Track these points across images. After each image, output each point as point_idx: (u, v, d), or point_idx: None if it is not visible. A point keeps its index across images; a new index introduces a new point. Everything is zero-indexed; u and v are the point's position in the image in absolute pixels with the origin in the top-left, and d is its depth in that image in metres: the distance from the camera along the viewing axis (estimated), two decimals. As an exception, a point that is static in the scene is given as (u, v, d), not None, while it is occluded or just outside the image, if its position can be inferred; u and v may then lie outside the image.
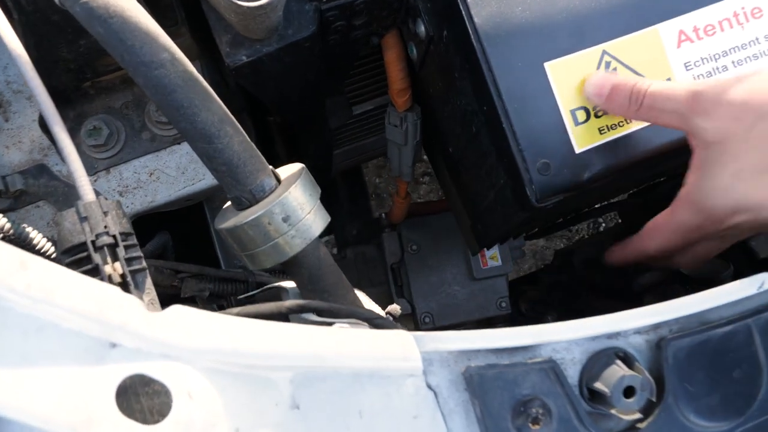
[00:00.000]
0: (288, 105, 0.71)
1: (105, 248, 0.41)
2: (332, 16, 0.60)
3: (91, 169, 0.63)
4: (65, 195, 0.63)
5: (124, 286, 0.41)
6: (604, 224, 1.94)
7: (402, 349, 0.36)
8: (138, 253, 0.43)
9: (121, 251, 0.41)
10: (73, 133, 0.63)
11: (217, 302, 0.62)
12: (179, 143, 0.65)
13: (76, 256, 0.41)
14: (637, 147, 0.50)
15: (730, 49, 0.51)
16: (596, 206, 1.04)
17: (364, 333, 0.38)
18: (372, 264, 1.12)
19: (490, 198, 0.62)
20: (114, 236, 0.41)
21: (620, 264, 0.63)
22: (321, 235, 0.49)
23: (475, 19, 0.49)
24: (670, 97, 0.47)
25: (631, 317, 0.41)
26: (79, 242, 0.40)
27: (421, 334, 0.37)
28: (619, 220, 1.47)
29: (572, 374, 0.39)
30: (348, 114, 0.91)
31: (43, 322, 0.30)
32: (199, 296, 0.60)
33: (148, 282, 0.43)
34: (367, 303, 0.56)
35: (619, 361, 0.40)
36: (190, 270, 0.61)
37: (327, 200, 1.52)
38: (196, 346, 0.32)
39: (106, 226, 0.41)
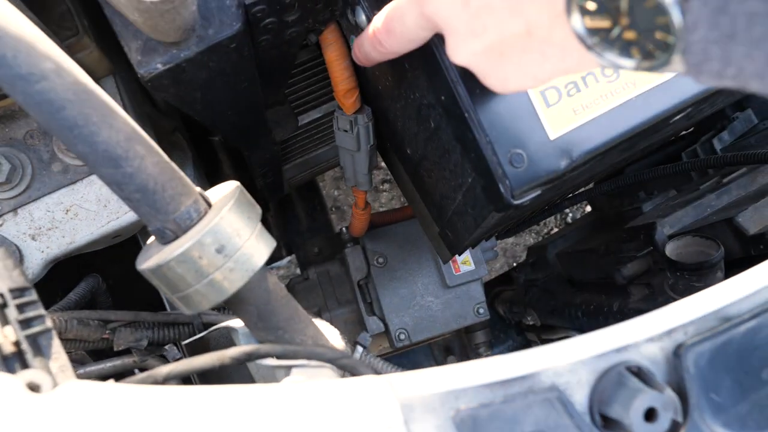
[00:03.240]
0: (222, 119, 0.64)
1: (-10, 311, 0.32)
2: (259, 12, 0.53)
3: (-5, 213, 0.54)
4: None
5: (20, 354, 0.33)
6: (570, 214, 1.91)
7: (375, 400, 0.29)
8: (39, 311, 0.34)
9: (12, 312, 0.33)
10: (-32, 172, 0.53)
11: (157, 351, 0.53)
12: (97, 172, 0.56)
13: (-46, 325, 0.32)
14: (616, 126, 0.45)
15: None
16: (567, 196, 0.99)
17: (326, 389, 0.30)
18: (337, 282, 1.05)
19: (458, 200, 0.55)
20: (1, 294, 0.33)
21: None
22: (276, 258, 0.41)
23: None
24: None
25: (640, 325, 0.35)
26: (-45, 307, 0.32)
27: (397, 376, 0.30)
28: (589, 209, 1.43)
29: (580, 400, 0.33)
30: (293, 125, 0.84)
31: None
32: (136, 347, 0.52)
33: (55, 345, 0.35)
34: (330, 334, 0.49)
35: (633, 378, 0.33)
36: (123, 318, 0.52)
37: (284, 218, 1.43)
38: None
39: (-12, 283, 0.33)
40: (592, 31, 0.32)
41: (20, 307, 0.34)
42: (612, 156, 0.51)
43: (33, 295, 0.35)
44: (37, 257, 0.55)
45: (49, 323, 0.35)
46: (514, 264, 1.93)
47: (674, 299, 0.69)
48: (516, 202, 0.43)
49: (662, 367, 0.35)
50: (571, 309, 0.94)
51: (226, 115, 0.63)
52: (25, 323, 0.33)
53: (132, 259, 0.91)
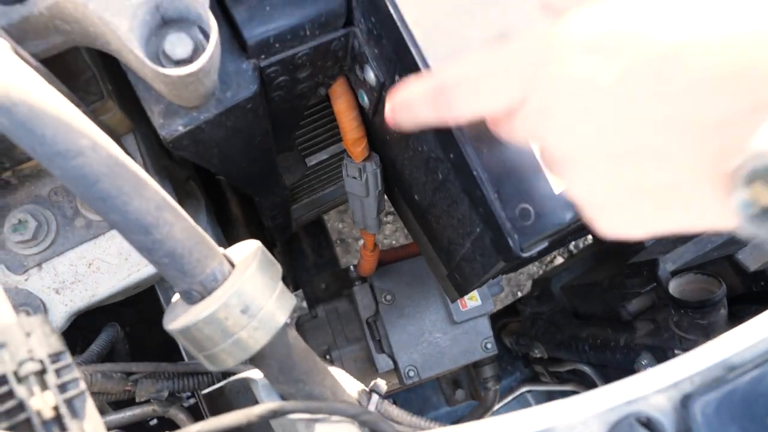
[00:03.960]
0: (237, 170, 0.66)
1: (31, 377, 0.34)
2: (274, 72, 0.56)
3: (21, 268, 0.56)
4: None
5: (58, 420, 0.34)
6: (573, 243, 1.93)
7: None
8: (74, 374, 0.36)
9: (51, 378, 0.35)
10: (-4, 230, 0.56)
11: (177, 401, 0.55)
12: (119, 227, 0.58)
13: (-4, 391, 0.34)
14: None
15: None
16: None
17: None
18: (346, 319, 1.06)
19: (467, 247, 0.57)
20: (41, 360, 0.35)
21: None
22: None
23: (431, 63, 0.45)
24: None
25: (648, 378, 0.36)
26: (-2, 375, 0.34)
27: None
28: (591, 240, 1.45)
29: (594, 453, 0.34)
30: (302, 169, 0.86)
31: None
32: (157, 398, 0.53)
33: (89, 406, 0.37)
34: (345, 381, 0.50)
35: (643, 429, 0.35)
36: (145, 370, 0.54)
37: (290, 254, 1.45)
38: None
39: (30, 350, 0.34)
40: (752, 203, 0.28)
41: (58, 372, 0.35)
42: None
43: (68, 359, 0.37)
44: (61, 310, 0.56)
45: (83, 385, 0.36)
46: (519, 293, 1.94)
47: (679, 335, 0.71)
48: (525, 255, 0.45)
49: (671, 417, 0.36)
50: (578, 342, 0.96)
51: (240, 167, 0.66)
52: (62, 387, 0.35)
53: (145, 303, 0.93)
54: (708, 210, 0.32)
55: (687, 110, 0.30)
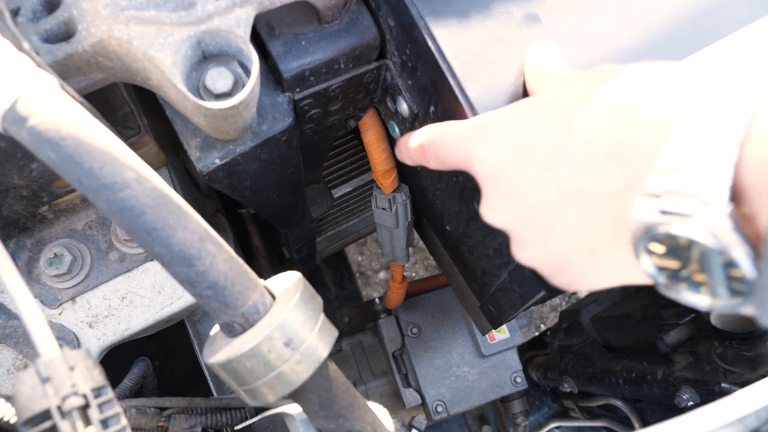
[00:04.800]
0: (268, 202, 0.66)
1: (74, 412, 0.33)
2: (307, 105, 0.56)
3: (55, 302, 0.56)
4: (27, 336, 0.55)
5: (101, 458, 0.33)
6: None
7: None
8: (115, 409, 0.35)
9: (94, 413, 0.34)
10: (32, 263, 0.56)
11: (211, 438, 0.53)
12: (152, 260, 0.58)
13: (40, 427, 0.33)
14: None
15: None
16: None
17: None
18: (371, 353, 1.05)
19: (503, 278, 0.56)
20: (84, 395, 0.34)
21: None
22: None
23: (469, 93, 0.45)
24: (455, 128, 0.45)
25: (712, 414, 0.35)
26: (42, 410, 0.33)
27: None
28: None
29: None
30: (329, 202, 0.87)
31: None
32: (191, 434, 0.52)
33: (131, 443, 0.36)
34: (385, 419, 0.49)
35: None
36: (178, 405, 0.53)
37: (312, 287, 1.43)
38: None
39: (73, 384, 0.34)
40: (661, 269, 0.31)
41: (101, 407, 0.35)
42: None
43: (110, 393, 0.36)
44: (94, 344, 0.56)
45: (124, 421, 0.36)
46: (542, 326, 1.91)
47: (723, 368, 0.69)
48: (568, 285, 0.44)
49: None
50: (611, 376, 0.93)
51: (270, 199, 0.66)
52: (104, 423, 0.34)
53: (167, 336, 0.91)
54: (633, 272, 0.34)
55: (580, 183, 0.35)
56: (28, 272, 0.56)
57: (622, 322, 0.94)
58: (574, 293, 1.93)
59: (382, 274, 1.87)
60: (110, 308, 0.57)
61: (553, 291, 0.47)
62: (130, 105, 0.53)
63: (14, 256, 0.56)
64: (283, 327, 0.38)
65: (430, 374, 0.96)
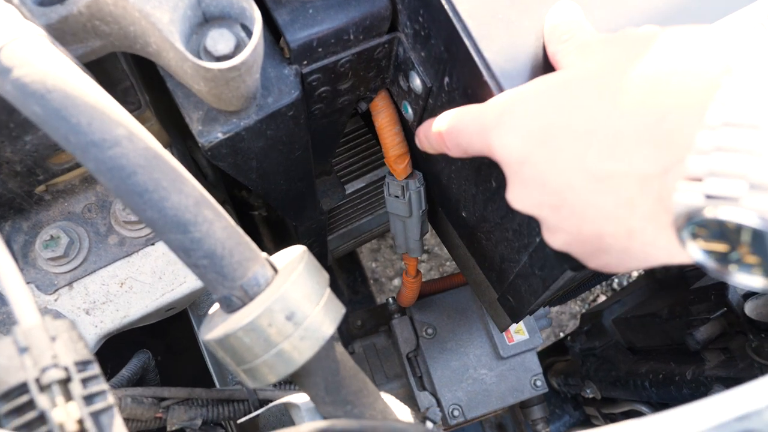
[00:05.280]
0: (275, 187, 0.63)
1: (54, 386, 0.30)
2: (315, 81, 0.53)
3: (51, 287, 0.53)
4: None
5: (83, 436, 0.30)
6: (617, 280, 1.85)
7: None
8: (101, 386, 0.32)
9: (76, 387, 0.31)
10: (27, 247, 0.53)
11: (211, 430, 0.50)
12: (153, 244, 0.55)
13: (16, 402, 0.30)
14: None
15: None
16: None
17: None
18: (384, 356, 1.01)
19: (523, 262, 0.53)
20: (66, 368, 0.31)
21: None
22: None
23: (486, 54, 0.42)
24: (474, 113, 0.42)
25: (760, 388, 0.31)
26: (18, 383, 0.30)
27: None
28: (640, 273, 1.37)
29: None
30: (341, 194, 0.84)
31: None
32: (190, 426, 0.49)
33: (117, 423, 0.32)
34: (398, 409, 0.45)
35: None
36: (177, 395, 0.49)
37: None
38: None
39: (54, 356, 0.31)
40: (709, 253, 0.29)
41: (84, 382, 0.32)
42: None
43: (96, 369, 0.33)
44: (91, 332, 0.53)
45: (111, 399, 0.33)
46: (561, 334, 1.85)
47: (759, 363, 0.64)
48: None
49: (794, 439, 0.30)
50: (636, 379, 0.88)
51: (278, 184, 0.63)
52: (88, 399, 0.31)
53: (175, 334, 0.88)
54: (674, 253, 0.32)
55: (612, 168, 0.33)
56: (24, 256, 0.53)
57: (648, 321, 0.89)
58: (594, 300, 1.87)
59: (396, 281, 1.84)
60: (108, 294, 0.54)
61: (578, 268, 0.43)
62: (130, 79, 0.51)
63: (10, 239, 0.53)
64: (285, 299, 0.35)
65: (446, 377, 0.92)
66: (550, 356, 1.25)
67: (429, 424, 0.45)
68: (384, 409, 0.41)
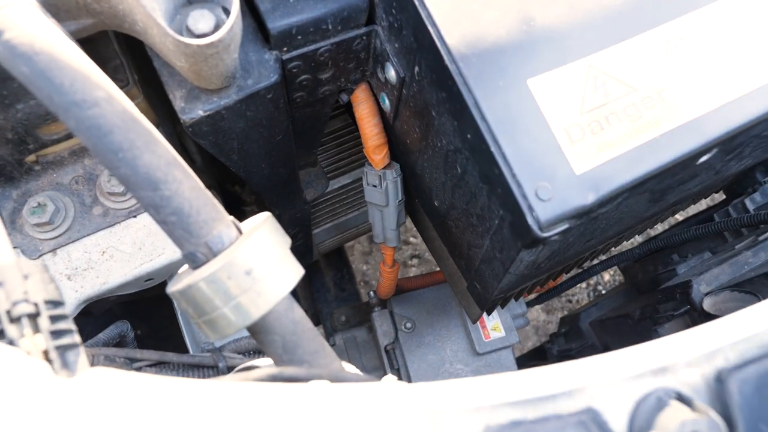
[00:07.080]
0: (256, 171, 0.66)
1: (23, 319, 0.33)
2: (295, 68, 0.56)
3: (35, 252, 0.56)
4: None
5: (48, 364, 0.33)
6: (602, 287, 1.87)
7: (404, 409, 0.28)
8: (68, 325, 0.35)
9: (44, 322, 0.34)
10: (15, 213, 0.56)
11: (181, 393, 0.52)
12: (135, 216, 0.58)
13: (-12, 332, 0.33)
14: (643, 163, 0.45)
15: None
16: (596, 262, 0.98)
17: (354, 393, 0.29)
18: (364, 348, 1.03)
19: (486, 246, 0.55)
20: (36, 304, 0.34)
21: None
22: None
23: (447, 40, 0.45)
24: None
25: (677, 344, 0.33)
26: (-9, 314, 0.33)
27: (427, 386, 0.29)
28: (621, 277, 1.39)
29: (619, 425, 0.31)
30: (324, 185, 0.86)
31: None
32: (160, 388, 0.51)
33: (82, 361, 0.35)
34: (355, 372, 0.48)
35: (675, 402, 0.32)
36: (149, 357, 0.52)
37: (311, 288, 1.42)
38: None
39: (25, 292, 0.34)
40: None
41: (52, 319, 0.34)
42: (640, 199, 0.51)
43: (65, 310, 0.36)
44: (72, 297, 0.56)
45: (77, 338, 0.35)
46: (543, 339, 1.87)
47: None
48: (544, 235, 0.43)
49: (704, 396, 0.33)
50: (608, 379, 0.90)
51: (260, 167, 0.66)
52: (55, 334, 0.34)
53: (159, 318, 0.91)
54: None
55: None
56: (12, 222, 0.56)
57: (621, 323, 0.91)
58: (578, 302, 1.89)
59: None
60: (90, 261, 0.57)
61: (530, 245, 0.46)
62: (120, 58, 0.54)
63: (-1, 206, 0.56)
64: (245, 255, 0.38)
65: (422, 370, 0.94)
66: (531, 361, 1.27)
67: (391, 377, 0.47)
68: (340, 369, 0.44)
